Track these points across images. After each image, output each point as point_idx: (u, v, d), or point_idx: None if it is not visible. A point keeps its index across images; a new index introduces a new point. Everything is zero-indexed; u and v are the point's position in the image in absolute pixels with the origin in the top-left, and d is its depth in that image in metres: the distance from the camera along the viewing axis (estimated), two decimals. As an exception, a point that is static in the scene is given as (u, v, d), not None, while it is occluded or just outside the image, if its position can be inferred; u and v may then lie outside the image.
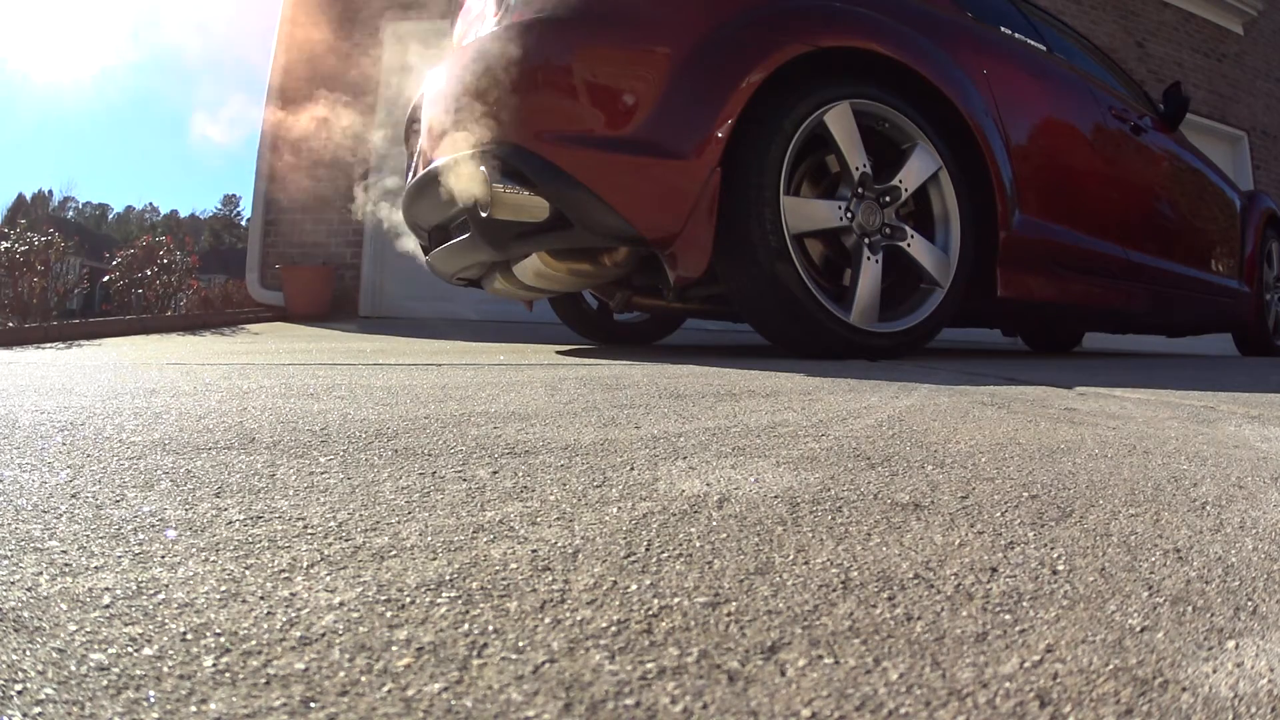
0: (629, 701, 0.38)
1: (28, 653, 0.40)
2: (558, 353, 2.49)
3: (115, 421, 1.02)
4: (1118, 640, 0.45)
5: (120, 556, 0.54)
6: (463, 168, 2.05)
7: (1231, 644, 0.45)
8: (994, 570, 0.56)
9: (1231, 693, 0.40)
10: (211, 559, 0.54)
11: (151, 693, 0.37)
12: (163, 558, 0.54)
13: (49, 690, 0.37)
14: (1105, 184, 2.93)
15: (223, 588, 0.49)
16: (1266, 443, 1.05)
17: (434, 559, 0.55)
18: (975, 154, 2.32)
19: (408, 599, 0.48)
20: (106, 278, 6.27)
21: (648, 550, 0.58)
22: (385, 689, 0.38)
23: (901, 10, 2.36)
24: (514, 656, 0.41)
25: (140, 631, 0.43)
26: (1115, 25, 7.49)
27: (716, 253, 2.00)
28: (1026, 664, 0.42)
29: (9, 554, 0.54)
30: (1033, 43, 2.90)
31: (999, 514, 0.69)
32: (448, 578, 0.52)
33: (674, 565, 0.55)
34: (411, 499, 0.69)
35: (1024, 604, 0.50)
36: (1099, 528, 0.66)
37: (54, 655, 0.40)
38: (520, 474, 0.78)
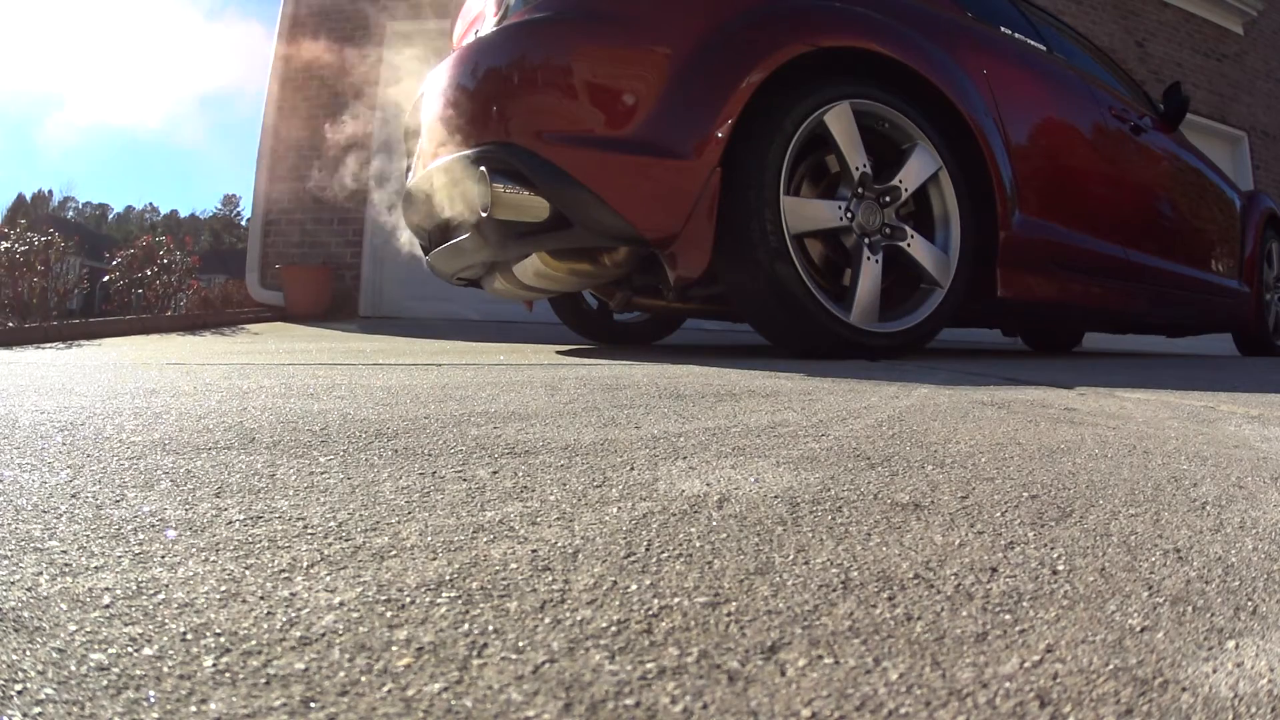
0: (629, 701, 0.38)
1: (28, 653, 0.40)
2: (558, 353, 2.49)
3: (115, 421, 1.02)
4: (1118, 640, 0.45)
5: (120, 556, 0.54)
6: (463, 168, 2.05)
7: (1231, 644, 0.45)
8: (994, 570, 0.56)
9: (1231, 693, 0.40)
10: (211, 559, 0.54)
11: (151, 693, 0.37)
12: (163, 558, 0.54)
13: (49, 690, 0.37)
14: (1105, 184, 2.93)
15: (223, 588, 0.49)
16: (1266, 443, 1.05)
17: (434, 559, 0.55)
18: (975, 154, 2.32)
19: (408, 599, 0.48)
20: (106, 278, 6.27)
21: (648, 550, 0.58)
22: (385, 689, 0.38)
23: (901, 10, 2.36)
24: (514, 656, 0.41)
25: (140, 631, 0.43)
26: (1115, 25, 7.49)
27: (716, 253, 1.99)
28: (1026, 664, 0.42)
29: (9, 554, 0.54)
30: (1033, 43, 2.90)
31: (999, 514, 0.69)
32: (448, 578, 0.52)
33: (674, 565, 0.55)
34: (411, 499, 0.69)
35: (1024, 604, 0.50)
36: (1099, 528, 0.66)
37: (54, 655, 0.40)
38: (520, 474, 0.78)
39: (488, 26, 2.31)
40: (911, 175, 2.20)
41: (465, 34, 2.64)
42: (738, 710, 0.37)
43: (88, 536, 0.57)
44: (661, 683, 0.39)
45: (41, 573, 0.51)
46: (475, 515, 0.65)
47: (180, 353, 2.63)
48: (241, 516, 0.63)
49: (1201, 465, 0.90)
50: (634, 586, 0.51)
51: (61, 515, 0.62)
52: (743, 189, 1.98)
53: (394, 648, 0.42)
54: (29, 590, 0.48)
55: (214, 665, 0.40)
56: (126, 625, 0.44)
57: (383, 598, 0.48)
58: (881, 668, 0.41)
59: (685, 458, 0.86)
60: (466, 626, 0.45)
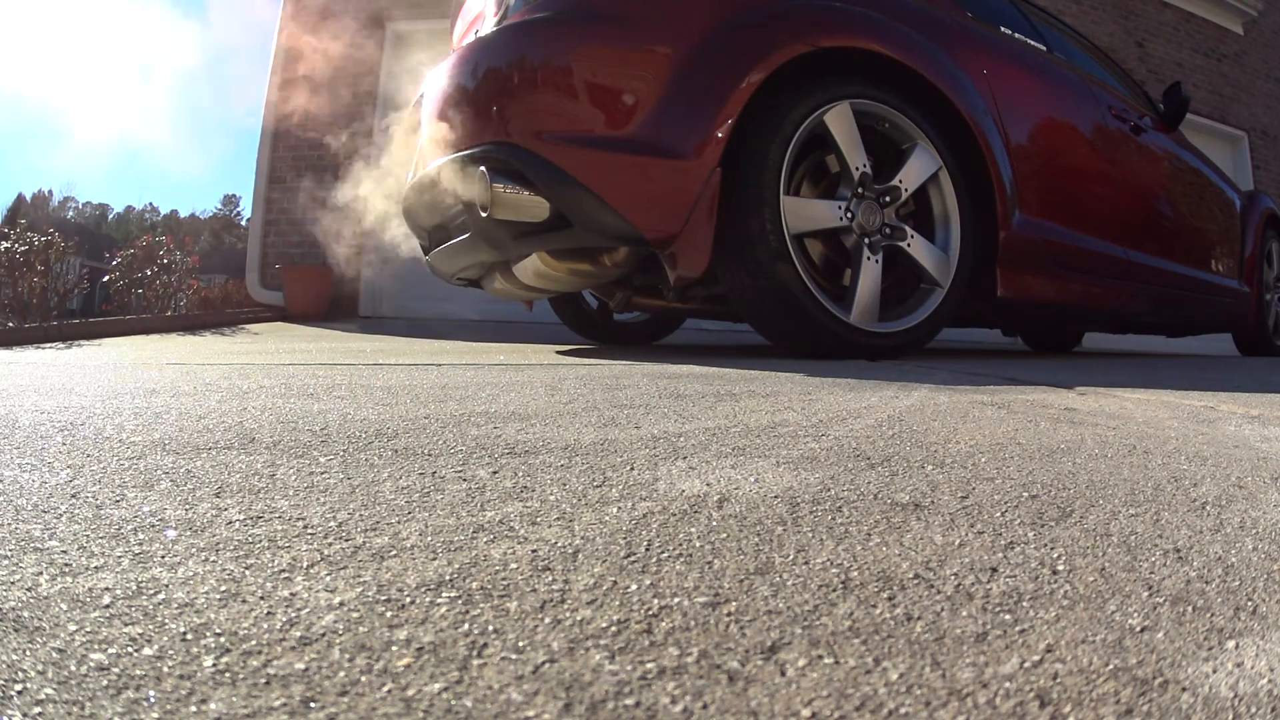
0: (629, 701, 0.38)
1: (28, 653, 0.40)
2: (558, 353, 2.49)
3: (115, 421, 1.02)
4: (1118, 640, 0.45)
5: (120, 556, 0.54)
6: (463, 168, 2.05)
7: (1231, 644, 0.45)
8: (994, 570, 0.56)
9: (1231, 693, 0.40)
10: (211, 559, 0.54)
11: (151, 693, 0.37)
12: (163, 558, 0.54)
13: (49, 690, 0.37)
14: (1105, 184, 2.93)
15: (223, 588, 0.49)
16: (1266, 443, 1.05)
17: (434, 559, 0.55)
18: (975, 154, 2.32)
19: (408, 599, 0.48)
20: (106, 278, 6.27)
21: (648, 550, 0.58)
22: (385, 689, 0.38)
23: (901, 10, 2.36)
24: (514, 656, 0.41)
25: (140, 631, 0.43)
26: (1115, 25, 7.49)
27: (716, 253, 2.00)
28: (1026, 664, 0.42)
29: (9, 554, 0.54)
30: (1033, 43, 2.90)
31: (999, 514, 0.69)
32: (448, 578, 0.52)
33: (674, 565, 0.55)
34: (411, 499, 0.69)
35: (1024, 604, 0.50)
36: (1099, 528, 0.66)
37: (54, 655, 0.40)
38: (520, 474, 0.78)
39: (488, 26, 2.31)
40: (911, 175, 2.20)
41: (465, 34, 2.64)
42: (738, 710, 0.37)
43: (88, 536, 0.57)
44: (661, 683, 0.39)
45: (41, 573, 0.51)
46: (475, 515, 0.65)
47: (180, 353, 2.63)
48: (241, 516, 0.63)
49: (1201, 465, 0.90)
50: (634, 586, 0.51)
51: (61, 515, 0.62)
52: (743, 189, 1.98)
53: (394, 648, 0.42)
54: (29, 590, 0.48)
55: (214, 665, 0.40)
56: (126, 625, 0.44)
57: (383, 598, 0.48)
58: (881, 668, 0.41)
59: (685, 458, 0.86)
60: (466, 626, 0.45)
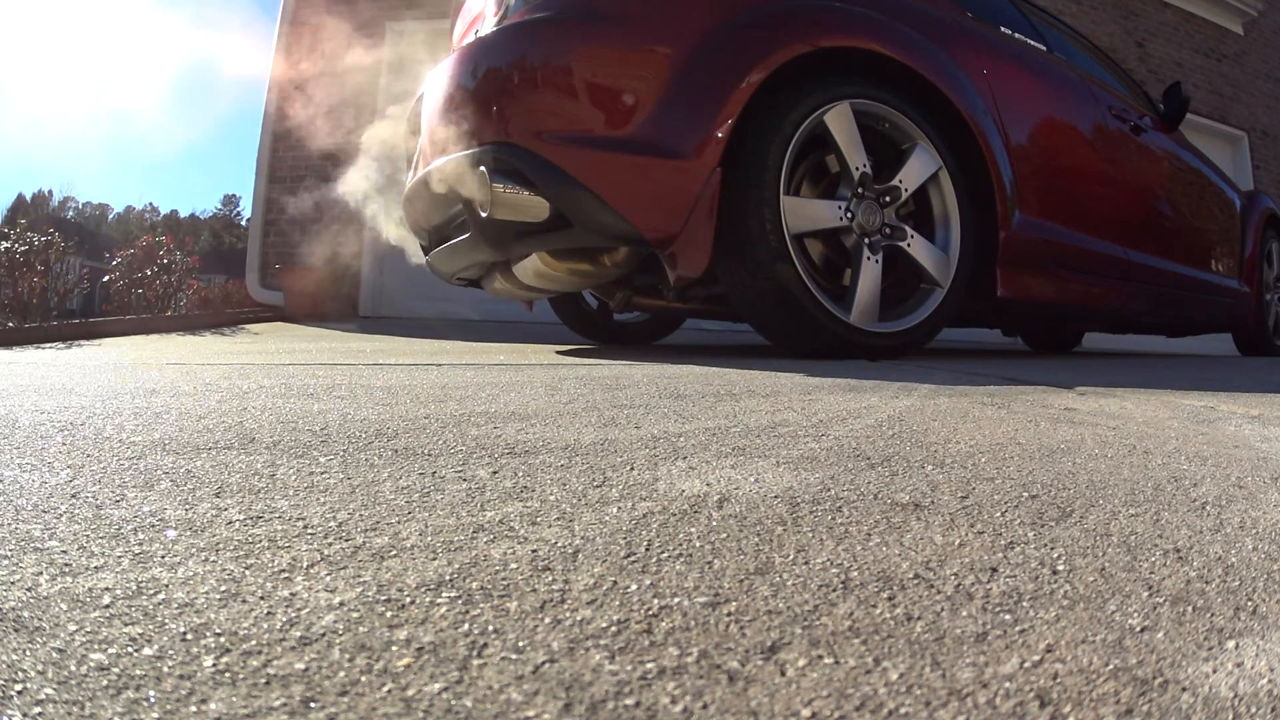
0: (629, 701, 0.38)
1: (28, 653, 0.40)
2: (558, 353, 2.49)
3: (115, 421, 1.02)
4: (1118, 640, 0.45)
5: (120, 556, 0.54)
6: (463, 168, 2.05)
7: (1231, 644, 0.45)
8: (994, 570, 0.56)
9: (1231, 693, 0.40)
10: (211, 559, 0.54)
11: (151, 693, 0.37)
12: (163, 558, 0.54)
13: (49, 690, 0.37)
14: (1105, 184, 2.93)
15: (223, 588, 0.49)
16: (1266, 443, 1.05)
17: (434, 559, 0.55)
18: (975, 154, 2.32)
19: (408, 599, 0.48)
20: (106, 278, 6.27)
21: (648, 550, 0.58)
22: (385, 689, 0.38)
23: (901, 10, 2.36)
24: (514, 656, 0.41)
25: (140, 631, 0.43)
26: (1115, 25, 7.49)
27: (716, 253, 2.00)
28: (1026, 664, 0.42)
29: (9, 554, 0.54)
30: (1033, 43, 2.90)
31: (999, 514, 0.69)
32: (448, 578, 0.52)
33: (674, 565, 0.55)
34: (411, 499, 0.69)
35: (1024, 604, 0.50)
36: (1099, 528, 0.66)
37: (54, 655, 0.40)
38: (520, 474, 0.78)
39: (488, 26, 2.31)
40: (911, 175, 2.20)
41: (465, 34, 2.64)
42: (738, 710, 0.37)
43: (88, 536, 0.57)
44: (661, 683, 0.39)
45: (41, 573, 0.51)
46: (475, 515, 0.65)
47: (180, 353, 2.63)
48: (241, 516, 0.63)
49: (1201, 465, 0.90)
50: (634, 586, 0.51)
51: (61, 515, 0.62)
52: (743, 189, 1.98)
53: (394, 648, 0.42)
54: (29, 590, 0.48)
55: (214, 665, 0.40)
56: (126, 625, 0.44)
57: (383, 598, 0.48)
58: (881, 668, 0.41)
59: (685, 458, 0.86)
60: (466, 626, 0.45)
